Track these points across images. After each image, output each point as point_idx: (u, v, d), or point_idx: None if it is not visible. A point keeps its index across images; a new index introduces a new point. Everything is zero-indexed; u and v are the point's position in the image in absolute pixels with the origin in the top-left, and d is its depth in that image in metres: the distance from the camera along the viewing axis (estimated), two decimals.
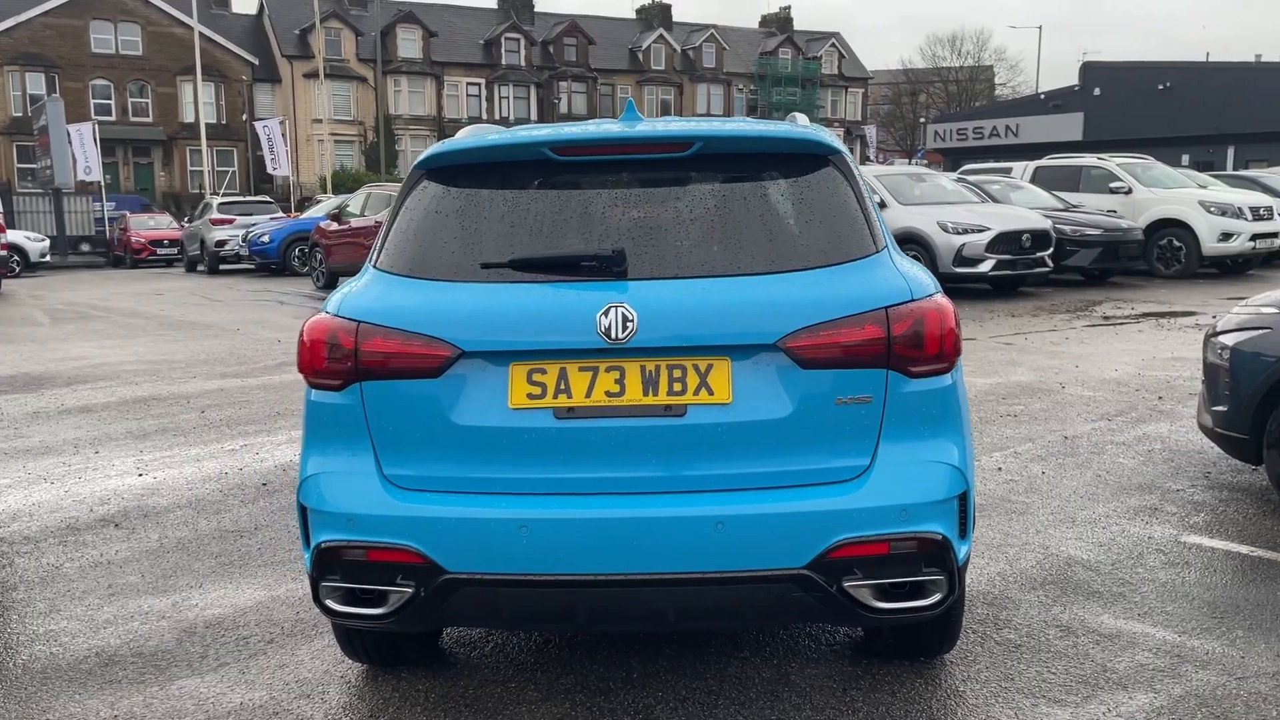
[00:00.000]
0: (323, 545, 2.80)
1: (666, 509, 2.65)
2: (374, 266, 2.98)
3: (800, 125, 3.20)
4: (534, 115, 56.90)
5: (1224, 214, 15.17)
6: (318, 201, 27.50)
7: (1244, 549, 4.38)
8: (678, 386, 2.67)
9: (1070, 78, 54.50)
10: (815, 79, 63.23)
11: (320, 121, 47.80)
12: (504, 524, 2.67)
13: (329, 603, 2.85)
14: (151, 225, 30.82)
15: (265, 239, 22.32)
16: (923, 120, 62.57)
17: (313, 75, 48.71)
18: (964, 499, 2.78)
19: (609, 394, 2.68)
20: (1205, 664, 3.35)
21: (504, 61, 56.41)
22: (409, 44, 54.12)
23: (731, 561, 2.63)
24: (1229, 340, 4.89)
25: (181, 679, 3.48)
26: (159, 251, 29.45)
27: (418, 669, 3.46)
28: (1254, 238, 15.18)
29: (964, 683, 3.27)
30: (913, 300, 2.74)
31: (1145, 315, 12.05)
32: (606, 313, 2.66)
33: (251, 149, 47.21)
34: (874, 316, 2.69)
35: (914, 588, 2.73)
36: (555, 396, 2.70)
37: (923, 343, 2.71)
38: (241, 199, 30.47)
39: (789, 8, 65.60)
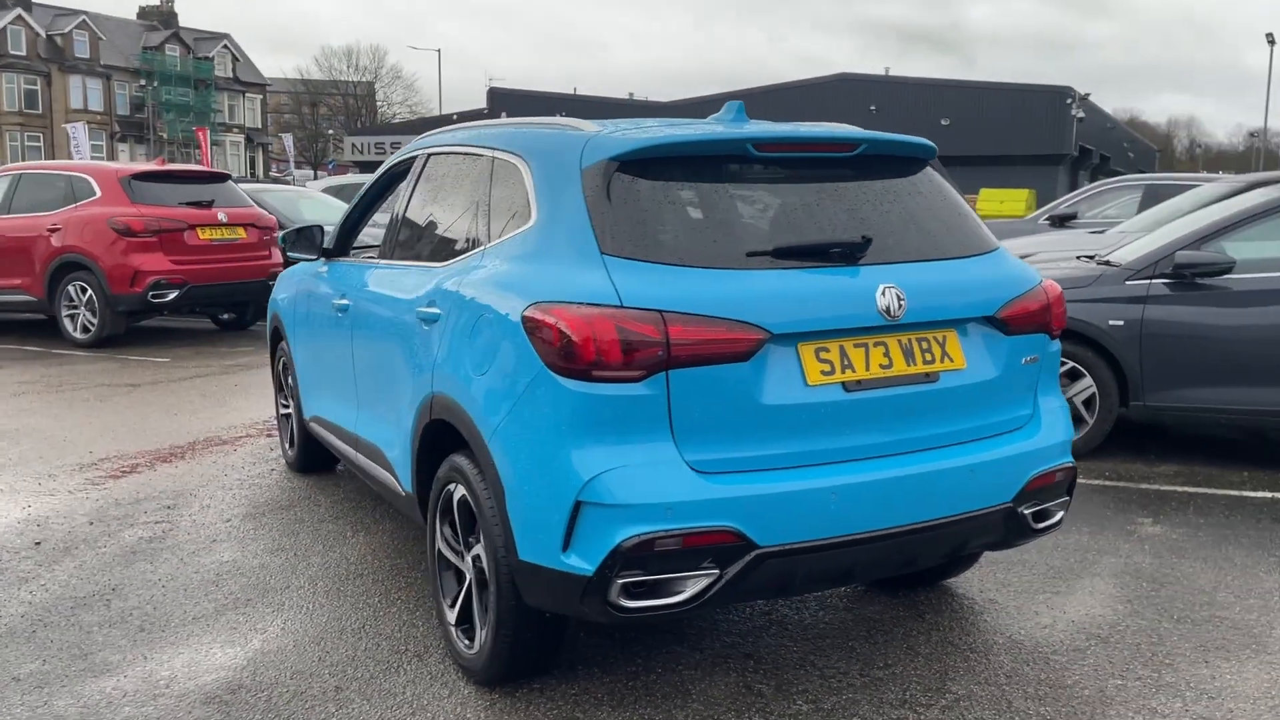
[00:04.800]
0: (630, 541, 2.69)
1: (937, 463, 3.03)
2: (613, 255, 2.86)
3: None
4: None
5: None
6: None
7: None
8: (928, 356, 3.07)
9: (475, 102, 58.27)
10: (209, 80, 59.68)
11: None
12: (818, 494, 2.84)
13: (622, 600, 2.75)
14: None
15: None
16: (330, 131, 62.29)
17: None
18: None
19: (881, 366, 2.99)
20: (1110, 552, 4.48)
21: None
22: None
23: (977, 502, 3.10)
24: None
25: None
26: None
27: (547, 679, 3.32)
28: None
29: (988, 590, 4.04)
30: (1045, 281, 3.45)
31: None
32: (883, 293, 2.96)
33: None
34: (1038, 292, 3.34)
35: (1048, 511, 3.42)
36: (843, 371, 2.93)
37: (1057, 314, 3.43)
38: None
39: (172, 2, 61.08)
